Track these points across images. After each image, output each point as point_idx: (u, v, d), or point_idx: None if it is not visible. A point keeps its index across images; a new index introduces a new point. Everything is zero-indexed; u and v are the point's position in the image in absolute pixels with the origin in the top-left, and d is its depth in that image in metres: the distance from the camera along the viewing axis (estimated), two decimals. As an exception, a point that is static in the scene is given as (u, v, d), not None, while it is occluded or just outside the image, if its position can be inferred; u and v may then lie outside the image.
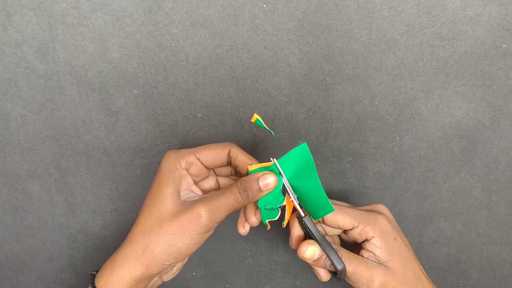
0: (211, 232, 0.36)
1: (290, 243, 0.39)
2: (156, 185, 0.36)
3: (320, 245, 0.36)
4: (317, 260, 0.36)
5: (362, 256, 0.37)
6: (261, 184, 0.35)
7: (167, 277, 0.38)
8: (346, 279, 0.37)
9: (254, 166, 0.37)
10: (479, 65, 0.41)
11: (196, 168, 0.37)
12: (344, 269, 0.35)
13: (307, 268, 0.50)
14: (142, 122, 0.44)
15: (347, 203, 0.48)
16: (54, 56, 0.41)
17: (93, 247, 0.49)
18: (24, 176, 0.46)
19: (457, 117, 0.43)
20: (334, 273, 0.37)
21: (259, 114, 0.43)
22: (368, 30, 0.40)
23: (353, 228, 0.37)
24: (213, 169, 0.40)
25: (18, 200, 0.47)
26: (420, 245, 0.49)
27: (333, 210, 0.36)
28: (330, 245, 0.36)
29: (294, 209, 0.38)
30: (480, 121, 0.44)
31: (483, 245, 0.49)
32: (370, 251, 0.37)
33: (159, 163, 0.45)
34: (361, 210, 0.39)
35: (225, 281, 0.52)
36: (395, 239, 0.37)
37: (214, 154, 0.37)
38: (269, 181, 0.35)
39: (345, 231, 0.39)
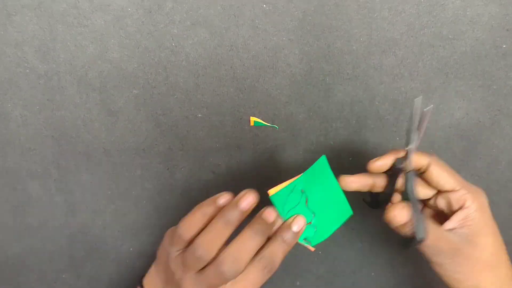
0: None
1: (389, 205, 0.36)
2: None
3: (412, 208, 0.34)
4: (403, 225, 0.34)
5: (448, 225, 0.35)
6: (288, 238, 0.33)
7: None
8: (418, 248, 0.35)
9: (274, 189, 0.34)
10: (479, 65, 0.41)
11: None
12: (422, 240, 0.33)
13: (307, 268, 0.50)
14: (142, 122, 0.44)
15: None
16: (54, 56, 0.41)
17: (93, 247, 0.49)
18: (24, 176, 0.46)
19: (457, 117, 0.43)
20: (408, 240, 0.35)
21: (259, 114, 0.43)
22: (368, 30, 0.40)
23: (452, 191, 0.35)
24: None
25: (18, 200, 0.47)
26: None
27: (351, 213, 0.35)
28: (420, 212, 0.34)
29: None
30: (480, 121, 0.43)
31: (483, 245, 0.49)
32: (462, 220, 0.35)
33: (159, 163, 0.45)
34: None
35: (225, 281, 0.52)
36: (491, 215, 0.36)
37: None
38: (297, 227, 0.34)
39: (437, 194, 0.37)
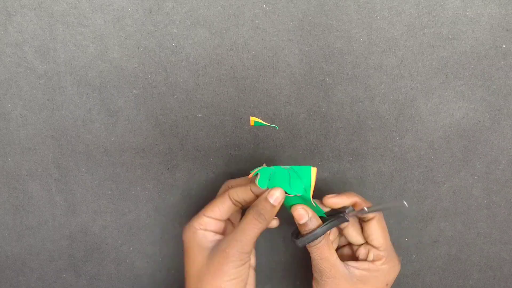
0: (249, 261, 0.37)
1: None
2: (185, 255, 0.38)
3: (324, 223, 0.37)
4: (302, 224, 0.37)
5: (351, 262, 0.38)
6: (271, 201, 0.36)
7: None
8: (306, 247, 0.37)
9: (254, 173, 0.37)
10: (479, 65, 0.41)
11: (212, 225, 0.38)
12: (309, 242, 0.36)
13: (307, 268, 0.50)
14: (142, 122, 0.44)
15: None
16: (55, 56, 0.41)
17: (93, 247, 0.49)
18: (24, 176, 0.46)
19: (457, 117, 0.43)
20: (302, 235, 0.37)
21: (259, 114, 0.43)
22: (368, 30, 0.40)
23: (376, 247, 0.39)
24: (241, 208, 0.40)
25: (18, 200, 0.47)
26: (420, 245, 0.49)
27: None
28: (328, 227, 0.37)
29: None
30: (480, 121, 0.44)
31: (483, 245, 0.49)
32: (364, 270, 0.38)
33: (159, 163, 0.45)
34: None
35: (225, 281, 0.52)
36: (387, 284, 0.39)
37: (219, 207, 0.38)
38: (277, 195, 0.36)
39: (362, 245, 0.40)
